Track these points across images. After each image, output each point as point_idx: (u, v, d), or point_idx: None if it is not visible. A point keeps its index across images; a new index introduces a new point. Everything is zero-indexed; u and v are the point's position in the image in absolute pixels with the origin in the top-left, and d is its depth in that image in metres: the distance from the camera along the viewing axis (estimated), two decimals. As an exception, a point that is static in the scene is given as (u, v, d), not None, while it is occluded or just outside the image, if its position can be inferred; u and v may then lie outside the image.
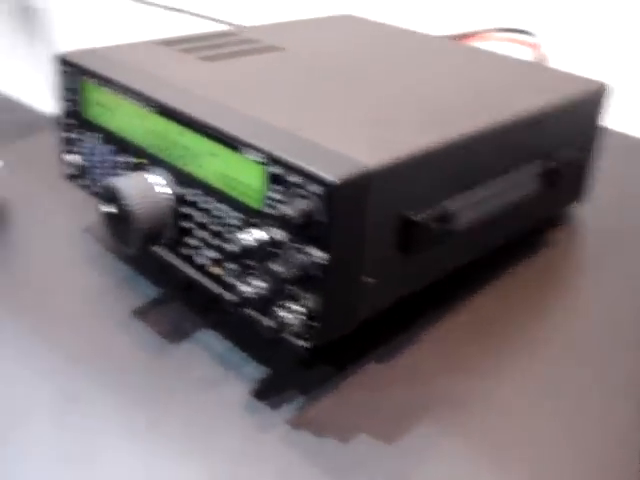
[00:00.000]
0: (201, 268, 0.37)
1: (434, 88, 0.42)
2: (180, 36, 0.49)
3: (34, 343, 0.38)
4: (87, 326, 0.39)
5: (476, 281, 0.44)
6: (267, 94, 0.39)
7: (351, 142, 0.33)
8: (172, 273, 0.40)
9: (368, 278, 0.33)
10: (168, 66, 0.42)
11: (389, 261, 0.34)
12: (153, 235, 0.37)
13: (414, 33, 0.55)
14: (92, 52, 0.44)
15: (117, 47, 0.45)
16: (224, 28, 0.51)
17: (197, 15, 0.97)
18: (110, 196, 0.37)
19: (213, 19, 0.94)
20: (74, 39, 1.08)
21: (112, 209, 0.37)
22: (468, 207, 0.37)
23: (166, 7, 0.97)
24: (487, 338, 0.40)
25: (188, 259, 0.38)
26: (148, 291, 0.42)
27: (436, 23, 0.83)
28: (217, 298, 0.36)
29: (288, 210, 0.30)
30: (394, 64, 0.46)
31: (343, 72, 0.44)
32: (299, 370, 0.37)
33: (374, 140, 0.34)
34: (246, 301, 0.33)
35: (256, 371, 0.37)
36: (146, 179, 0.37)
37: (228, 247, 0.35)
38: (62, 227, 0.48)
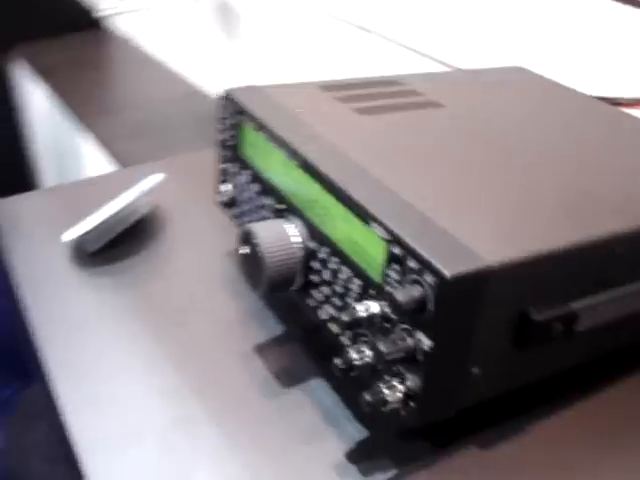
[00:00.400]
0: (322, 321, 0.38)
1: (585, 171, 0.40)
2: (342, 80, 0.50)
3: (157, 360, 0.41)
4: (210, 353, 0.42)
5: (598, 379, 0.41)
6: (410, 161, 0.39)
7: (479, 231, 0.33)
8: (298, 314, 0.41)
9: (475, 368, 0.33)
10: (320, 117, 0.43)
11: (500, 354, 0.33)
12: (281, 283, 0.39)
13: (585, 98, 0.52)
14: (256, 91, 0.46)
15: (280, 88, 0.47)
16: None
17: (388, 39, 0.98)
18: (247, 239, 0.39)
19: (402, 45, 0.95)
20: (268, 39, 1.13)
21: (247, 251, 0.39)
22: (594, 309, 0.36)
23: (361, 28, 0.99)
24: (600, 441, 0.37)
25: (312, 308, 0.39)
26: (274, 327, 0.44)
27: (613, 82, 0.78)
28: (329, 354, 0.37)
29: (399, 294, 0.30)
30: (552, 137, 0.45)
31: (495, 141, 0.43)
32: (398, 440, 0.37)
33: (504, 231, 0.33)
34: (353, 367, 0.33)
35: (356, 432, 0.37)
36: (283, 228, 0.39)
37: (344, 312, 0.36)
38: (208, 247, 0.51)
